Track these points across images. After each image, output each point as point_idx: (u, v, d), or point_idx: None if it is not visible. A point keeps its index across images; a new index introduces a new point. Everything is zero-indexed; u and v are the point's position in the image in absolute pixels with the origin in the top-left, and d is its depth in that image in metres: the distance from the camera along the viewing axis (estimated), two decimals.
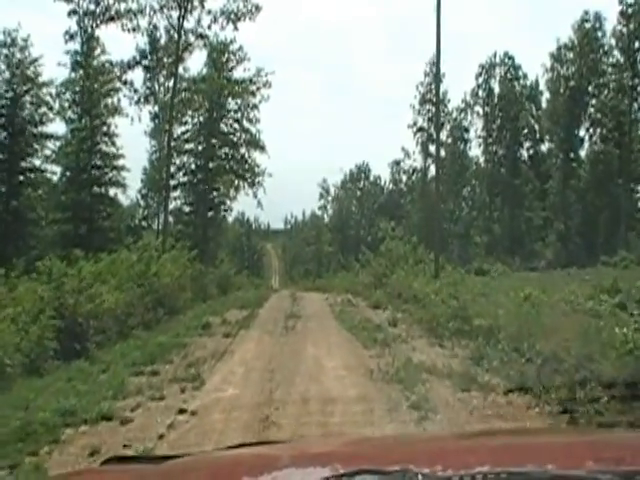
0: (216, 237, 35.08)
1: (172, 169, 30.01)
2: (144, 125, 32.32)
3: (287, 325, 14.34)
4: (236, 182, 32.58)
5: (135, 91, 25.86)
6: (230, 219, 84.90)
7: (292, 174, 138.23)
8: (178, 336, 13.02)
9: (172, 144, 29.29)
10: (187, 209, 33.88)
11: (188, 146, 32.56)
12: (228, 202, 35.29)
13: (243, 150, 32.58)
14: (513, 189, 48.96)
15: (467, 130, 52.03)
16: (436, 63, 21.67)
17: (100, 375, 8.95)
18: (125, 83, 25.42)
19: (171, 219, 35.49)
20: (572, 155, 44.84)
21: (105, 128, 26.15)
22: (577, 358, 7.20)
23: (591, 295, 13.59)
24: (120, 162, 27.77)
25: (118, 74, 25.32)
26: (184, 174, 33.34)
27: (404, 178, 64.27)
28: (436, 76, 20.51)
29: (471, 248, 49.20)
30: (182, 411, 6.88)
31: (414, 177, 60.53)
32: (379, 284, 22.97)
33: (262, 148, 32.19)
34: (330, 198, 76.34)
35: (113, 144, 26.77)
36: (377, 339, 11.44)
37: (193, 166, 32.95)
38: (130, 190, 32.40)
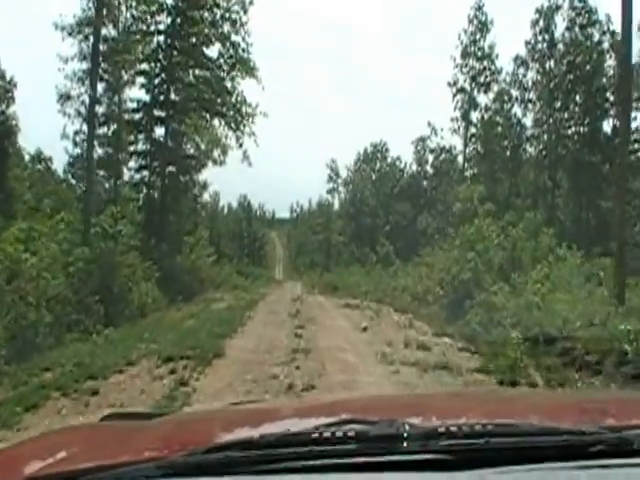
0: (182, 208, 23.36)
1: (101, 90, 18.30)
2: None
3: None
4: (211, 122, 20.86)
5: None
6: (230, 202, 74.84)
7: (299, 162, 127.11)
8: None
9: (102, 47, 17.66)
10: (136, 163, 22.08)
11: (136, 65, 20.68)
12: (210, 164, 24.02)
13: (223, 73, 20.67)
14: (588, 170, 37.17)
15: (527, 89, 39.94)
16: None
17: None
18: None
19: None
20: None
21: None
22: None
23: None
24: None
25: None
26: (134, 109, 21.65)
27: (430, 158, 53.27)
28: None
29: None
30: None
31: (442, 156, 50.03)
32: (468, 303, 11.31)
33: (252, 71, 20.34)
34: (340, 181, 65.12)
35: None
36: None
37: (146, 96, 21.13)
38: None
